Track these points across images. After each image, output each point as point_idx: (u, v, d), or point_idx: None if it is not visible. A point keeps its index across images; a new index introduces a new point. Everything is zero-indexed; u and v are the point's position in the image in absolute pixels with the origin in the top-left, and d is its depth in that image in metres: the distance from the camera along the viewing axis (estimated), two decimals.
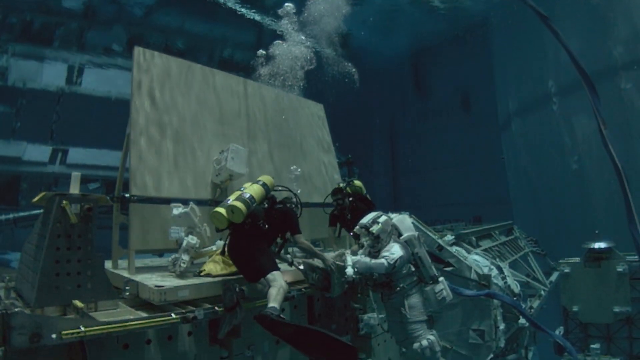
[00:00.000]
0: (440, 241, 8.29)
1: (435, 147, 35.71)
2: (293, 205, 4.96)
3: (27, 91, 21.10)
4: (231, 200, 4.39)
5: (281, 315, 3.89)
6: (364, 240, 4.95)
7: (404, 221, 5.04)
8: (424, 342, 4.72)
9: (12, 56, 20.39)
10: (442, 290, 4.84)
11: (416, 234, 4.94)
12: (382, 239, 4.82)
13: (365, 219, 4.94)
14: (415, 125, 38.33)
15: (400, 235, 4.88)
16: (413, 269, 4.86)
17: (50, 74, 21.61)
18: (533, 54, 20.11)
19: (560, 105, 18.69)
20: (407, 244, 4.82)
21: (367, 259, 4.69)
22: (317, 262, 4.94)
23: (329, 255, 5.10)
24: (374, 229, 4.79)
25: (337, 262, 4.89)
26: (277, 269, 4.29)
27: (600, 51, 15.46)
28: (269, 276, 4.16)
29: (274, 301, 3.95)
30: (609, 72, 15.22)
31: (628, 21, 15.19)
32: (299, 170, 6.59)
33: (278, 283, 4.11)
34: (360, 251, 5.07)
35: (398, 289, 4.81)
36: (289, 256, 5.08)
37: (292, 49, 6.71)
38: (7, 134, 20.59)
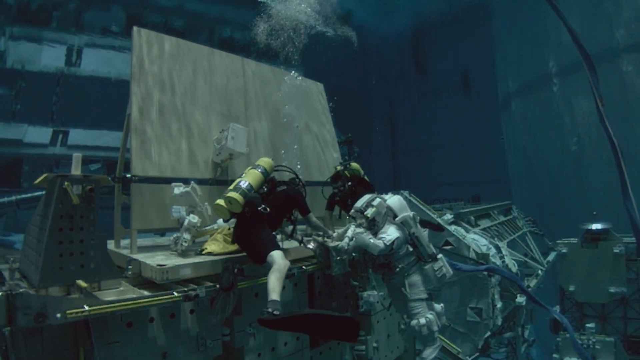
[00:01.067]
0: (439, 220, 8.36)
1: (434, 126, 35.66)
2: (297, 186, 4.94)
3: (26, 73, 20.96)
4: (229, 190, 4.42)
5: (274, 313, 3.80)
6: (360, 224, 4.95)
7: (398, 202, 4.99)
8: (422, 320, 4.78)
9: (9, 38, 20.23)
10: (441, 267, 4.86)
11: (411, 214, 4.89)
12: (378, 222, 4.85)
13: (360, 203, 4.96)
14: (415, 105, 38.22)
15: (395, 216, 4.86)
16: (411, 249, 4.89)
17: (49, 56, 21.45)
18: (534, 34, 19.97)
19: (561, 86, 18.61)
20: (402, 224, 4.81)
21: (366, 235, 4.69)
22: (328, 242, 4.99)
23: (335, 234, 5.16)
24: (369, 212, 4.80)
25: (335, 243, 4.92)
26: (277, 248, 4.33)
27: (602, 33, 15.35)
28: (268, 258, 4.21)
29: (272, 292, 3.95)
30: (611, 55, 15.14)
31: (631, 3, 15.04)
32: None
33: (277, 264, 4.15)
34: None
35: (397, 269, 4.85)
36: (298, 235, 5.16)
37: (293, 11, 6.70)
38: (7, 117, 20.54)
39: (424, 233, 4.96)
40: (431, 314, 4.86)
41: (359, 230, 4.77)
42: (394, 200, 4.98)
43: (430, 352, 4.95)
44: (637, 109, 15.06)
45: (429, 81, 37.35)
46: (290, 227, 4.93)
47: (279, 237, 4.81)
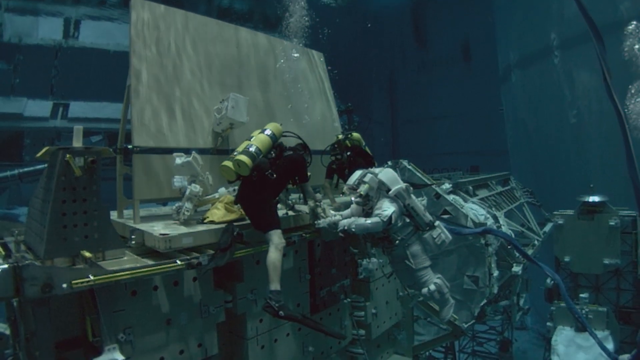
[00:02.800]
0: (437, 189, 8.41)
1: (434, 97, 35.55)
2: (302, 152, 4.95)
3: (24, 47, 20.77)
4: (238, 153, 4.44)
5: (280, 312, 4.11)
6: (354, 199, 4.99)
7: (389, 175, 4.93)
8: (432, 287, 4.86)
9: (5, 11, 19.88)
10: (440, 234, 4.90)
11: (403, 185, 4.85)
12: (372, 197, 4.85)
13: (351, 180, 4.94)
14: (415, 75, 38.00)
15: (388, 190, 4.82)
16: (407, 220, 4.92)
17: (47, 29, 21.20)
18: (536, 5, 19.70)
19: (562, 58, 18.46)
20: (397, 197, 4.79)
21: (363, 220, 4.65)
22: (319, 211, 5.05)
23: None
24: (362, 189, 4.80)
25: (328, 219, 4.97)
26: (277, 226, 4.40)
27: (606, 5, 15.10)
28: (266, 236, 4.32)
29: (272, 281, 4.18)
30: (614, 27, 14.97)
31: None
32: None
33: (274, 244, 4.27)
34: (348, 211, 5.10)
35: (397, 242, 4.89)
36: (290, 202, 5.26)
37: None
38: (6, 91, 20.41)
39: (418, 203, 4.97)
40: (438, 277, 4.94)
41: (350, 220, 4.73)
42: (385, 173, 4.92)
43: (446, 311, 5.09)
44: None
45: (429, 52, 37.02)
46: (293, 201, 5.00)
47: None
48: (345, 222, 4.72)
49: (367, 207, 4.88)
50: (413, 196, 4.92)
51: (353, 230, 4.63)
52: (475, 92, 31.47)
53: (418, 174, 8.51)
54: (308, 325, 4.57)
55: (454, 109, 33.61)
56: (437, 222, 4.98)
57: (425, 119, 36.39)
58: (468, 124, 32.34)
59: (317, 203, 5.07)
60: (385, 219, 4.54)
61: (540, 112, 20.42)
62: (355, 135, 6.65)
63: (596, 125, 16.71)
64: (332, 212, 5.08)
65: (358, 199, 4.89)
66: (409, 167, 8.54)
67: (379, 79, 38.63)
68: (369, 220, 4.60)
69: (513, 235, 9.23)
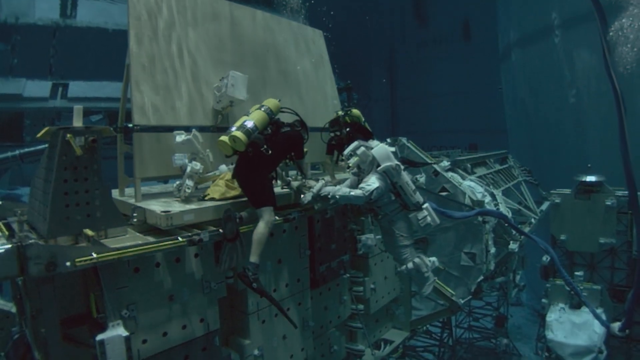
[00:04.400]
0: (436, 167, 8.44)
1: (434, 75, 35.40)
2: (299, 129, 4.96)
3: (21, 27, 20.51)
4: (234, 128, 4.45)
5: (254, 284, 4.17)
6: (349, 171, 5.11)
7: (382, 151, 4.93)
8: (410, 265, 5.01)
9: None
10: (425, 216, 4.90)
11: (394, 163, 4.84)
12: (363, 170, 4.94)
13: (346, 151, 5.05)
14: (415, 53, 37.75)
15: (379, 165, 4.85)
16: (394, 197, 4.96)
17: (43, 8, 20.92)
18: None
19: (562, 38, 18.33)
20: (385, 174, 4.82)
21: (347, 190, 4.76)
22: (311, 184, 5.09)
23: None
24: (351, 161, 4.93)
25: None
26: (270, 202, 4.44)
27: None
28: (258, 211, 4.36)
29: (253, 254, 4.24)
30: (616, 8, 14.83)
31: None
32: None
33: (264, 220, 4.31)
34: (347, 182, 5.18)
35: (381, 216, 5.02)
36: (289, 178, 5.29)
37: None
38: (4, 72, 20.19)
39: (409, 182, 4.98)
40: (418, 257, 5.04)
41: (336, 188, 4.81)
42: (378, 149, 4.93)
43: (426, 288, 5.19)
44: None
45: (429, 29, 36.70)
46: (291, 178, 5.03)
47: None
48: (329, 189, 4.80)
49: (359, 178, 4.98)
50: (404, 175, 4.93)
51: (337, 198, 4.72)
52: (474, 71, 31.33)
53: (417, 151, 8.54)
54: (273, 304, 4.59)
55: (453, 87, 33.50)
56: (425, 205, 4.98)
57: (424, 97, 36.28)
58: (467, 102, 32.30)
59: (303, 182, 5.13)
60: (367, 193, 4.63)
61: (539, 92, 20.37)
62: (355, 111, 6.66)
63: (595, 106, 16.69)
64: (312, 182, 5.08)
65: (354, 170, 5.02)
66: (408, 144, 8.56)
67: (379, 56, 38.32)
68: (353, 192, 4.70)
69: (510, 214, 9.32)
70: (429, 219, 4.92)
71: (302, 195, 4.94)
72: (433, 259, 5.21)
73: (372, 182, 4.73)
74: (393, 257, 5.46)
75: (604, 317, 9.80)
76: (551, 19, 18.62)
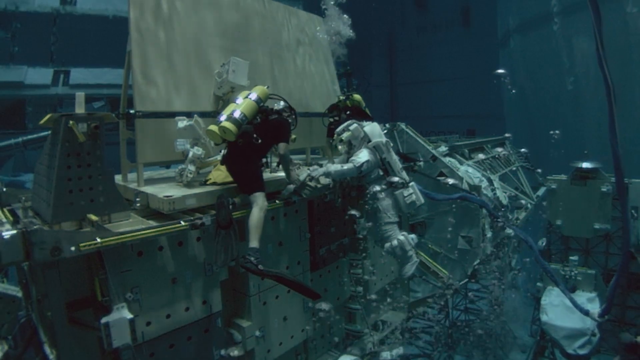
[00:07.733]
0: (434, 152, 8.49)
1: (433, 60, 35.23)
2: (288, 115, 4.97)
3: (21, 14, 20.34)
4: (223, 118, 4.48)
5: (260, 267, 4.13)
6: (341, 148, 5.33)
7: (374, 129, 5.22)
8: (394, 242, 5.15)
9: None
10: (411, 194, 5.12)
11: (384, 140, 5.15)
12: (354, 145, 5.20)
13: (339, 128, 5.31)
14: (414, 38, 37.53)
15: (370, 141, 5.14)
16: (382, 173, 5.17)
17: None
18: None
19: (562, 25, 18.28)
20: (375, 149, 5.09)
21: (339, 166, 5.00)
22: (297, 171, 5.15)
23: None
24: (344, 135, 5.19)
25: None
26: (261, 189, 4.50)
27: None
28: (251, 197, 4.42)
29: (253, 239, 4.26)
30: None
31: None
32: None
33: (257, 205, 4.36)
34: (338, 159, 5.38)
35: (369, 192, 5.18)
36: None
37: None
38: (5, 59, 20.05)
39: (396, 161, 5.22)
40: (402, 235, 5.19)
41: (330, 166, 5.00)
42: (370, 127, 5.24)
43: (408, 268, 5.33)
44: (638, 51, 14.88)
45: (428, 14, 36.43)
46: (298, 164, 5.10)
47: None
48: (321, 170, 4.96)
49: (349, 155, 5.21)
50: (393, 153, 5.18)
51: (332, 174, 4.93)
52: (473, 56, 31.19)
53: (415, 136, 8.59)
54: (285, 282, 4.54)
55: (452, 72, 33.36)
56: (411, 183, 5.20)
57: (423, 82, 36.13)
58: (466, 88, 32.20)
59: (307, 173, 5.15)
60: (357, 165, 4.89)
61: (537, 78, 20.35)
62: (356, 96, 6.74)
63: (593, 93, 16.67)
64: (297, 173, 5.07)
65: (344, 146, 5.26)
66: (407, 129, 8.60)
67: (378, 41, 38.06)
68: (345, 166, 4.96)
69: (507, 199, 9.38)
70: (414, 196, 5.13)
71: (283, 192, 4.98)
72: (413, 235, 5.34)
73: (363, 156, 5.00)
74: (376, 239, 5.55)
75: (598, 302, 9.96)
76: (550, 5, 18.57)
